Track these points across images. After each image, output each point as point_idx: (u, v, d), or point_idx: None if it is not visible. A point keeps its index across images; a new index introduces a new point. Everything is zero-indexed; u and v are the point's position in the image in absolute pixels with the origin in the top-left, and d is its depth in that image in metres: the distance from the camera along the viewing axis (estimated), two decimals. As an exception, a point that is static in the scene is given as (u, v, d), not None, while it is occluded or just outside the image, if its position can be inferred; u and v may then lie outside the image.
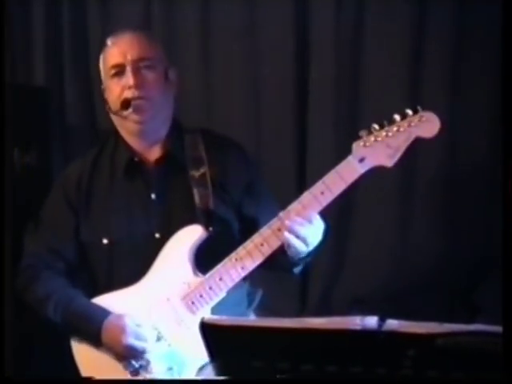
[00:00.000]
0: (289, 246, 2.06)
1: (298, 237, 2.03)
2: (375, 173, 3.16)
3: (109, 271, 2.23)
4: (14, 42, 3.40)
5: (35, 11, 3.44)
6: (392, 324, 1.38)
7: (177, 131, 2.26)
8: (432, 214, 3.05)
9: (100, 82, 2.30)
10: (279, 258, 2.12)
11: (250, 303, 2.31)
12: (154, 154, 2.23)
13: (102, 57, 2.27)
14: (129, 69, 2.16)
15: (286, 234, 2.03)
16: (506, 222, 2.01)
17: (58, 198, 2.30)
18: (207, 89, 3.38)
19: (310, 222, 2.03)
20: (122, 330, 2.12)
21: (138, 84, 2.15)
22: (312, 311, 3.03)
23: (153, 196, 2.21)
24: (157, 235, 2.18)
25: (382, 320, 1.38)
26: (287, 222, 2.02)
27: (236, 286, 2.15)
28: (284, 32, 3.25)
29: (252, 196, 2.25)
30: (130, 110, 2.14)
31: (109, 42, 2.24)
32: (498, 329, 1.34)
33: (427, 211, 3.11)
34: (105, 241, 2.21)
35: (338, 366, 1.43)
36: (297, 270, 2.23)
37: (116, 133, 2.27)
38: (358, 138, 2.03)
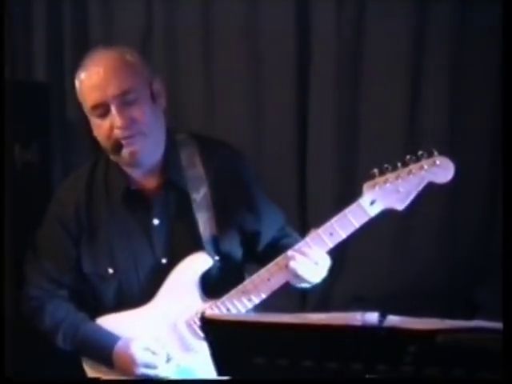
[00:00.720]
0: (292, 282, 2.06)
1: (302, 279, 2.03)
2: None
3: (116, 298, 2.19)
4: (14, 39, 3.41)
5: (36, 8, 3.45)
6: (393, 320, 1.38)
7: (172, 148, 2.13)
8: (432, 211, 3.05)
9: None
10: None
11: None
12: (151, 181, 2.12)
13: (78, 91, 2.06)
14: (113, 108, 1.97)
15: (291, 276, 2.03)
16: (506, 221, 2.01)
17: (55, 228, 2.19)
18: (207, 88, 3.38)
19: (316, 263, 2.02)
20: (131, 359, 2.11)
21: (126, 123, 1.97)
22: (312, 308, 3.03)
23: (155, 222, 2.13)
24: (163, 260, 2.14)
25: (383, 316, 1.38)
26: (292, 264, 2.00)
27: None
28: (285, 32, 3.26)
29: (253, 211, 2.19)
30: (124, 151, 2.01)
31: (82, 75, 2.03)
32: (499, 325, 1.34)
33: (427, 210, 3.11)
34: (110, 270, 2.16)
35: (339, 362, 1.43)
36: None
37: (106, 156, 2.13)
38: (369, 177, 2.01)
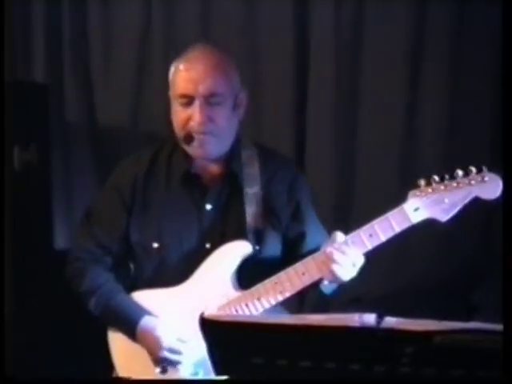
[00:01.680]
0: (325, 279, 2.10)
1: (336, 277, 2.06)
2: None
3: (155, 273, 2.24)
4: (13, 39, 3.41)
5: (35, 9, 3.45)
6: (390, 321, 1.39)
7: (237, 147, 2.25)
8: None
9: (166, 94, 2.25)
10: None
11: None
12: (212, 169, 2.24)
13: (172, 76, 2.20)
14: (197, 103, 2.11)
15: (326, 272, 2.06)
16: (506, 221, 2.01)
17: (111, 196, 2.29)
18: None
19: (353, 264, 2.05)
20: (157, 341, 2.16)
21: (205, 120, 2.12)
22: (310, 310, 3.04)
23: (208, 207, 2.22)
24: (207, 245, 2.20)
25: (381, 317, 1.40)
26: (331, 262, 2.04)
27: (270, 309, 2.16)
28: (283, 32, 3.26)
29: (298, 220, 2.26)
30: (194, 144, 2.15)
31: (181, 65, 2.16)
32: (496, 327, 1.35)
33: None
34: (155, 245, 2.22)
35: (337, 363, 1.44)
36: (325, 287, 2.19)
37: (174, 140, 2.25)
38: (416, 186, 2.04)
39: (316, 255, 2.09)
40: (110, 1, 3.43)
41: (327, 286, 2.17)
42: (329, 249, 2.05)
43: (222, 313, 2.11)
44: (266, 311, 2.13)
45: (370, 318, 1.40)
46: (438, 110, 3.20)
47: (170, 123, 2.23)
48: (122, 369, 2.25)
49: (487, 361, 1.36)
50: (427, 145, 3.23)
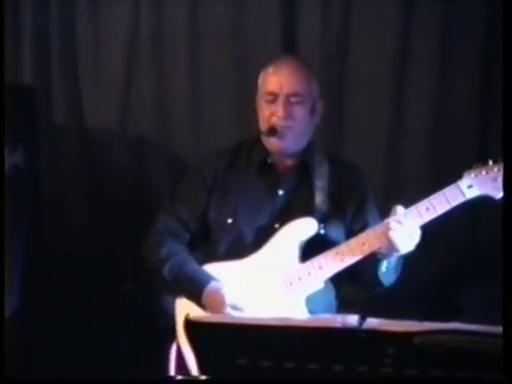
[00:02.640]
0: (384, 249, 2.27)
1: (394, 247, 2.24)
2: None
3: (227, 248, 2.44)
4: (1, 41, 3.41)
5: (23, 10, 3.44)
6: (372, 322, 1.41)
7: (311, 149, 2.49)
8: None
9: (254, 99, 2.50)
10: (362, 262, 2.31)
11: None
12: (287, 161, 2.47)
13: (261, 79, 2.47)
14: (281, 100, 2.38)
15: (385, 242, 2.24)
16: (505, 221, 2.02)
17: (195, 178, 2.54)
18: (195, 91, 3.39)
19: (409, 234, 2.24)
20: (220, 299, 2.31)
21: (286, 116, 2.38)
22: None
23: (280, 192, 2.46)
24: (276, 225, 2.41)
25: (363, 318, 1.41)
26: (390, 231, 2.22)
27: (332, 282, 2.38)
28: (271, 35, 3.28)
29: (362, 213, 2.46)
30: (274, 136, 2.39)
31: (270, 69, 2.45)
32: (475, 327, 1.36)
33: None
34: (229, 220, 2.45)
35: (320, 364, 1.45)
36: (384, 276, 2.37)
37: (258, 135, 2.48)
38: (471, 168, 2.24)
39: (377, 227, 2.29)
40: (98, 3, 3.42)
41: (385, 274, 2.34)
42: (388, 220, 2.24)
43: (295, 283, 2.32)
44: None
45: (352, 319, 1.41)
46: (424, 110, 3.22)
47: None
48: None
49: (467, 361, 1.38)
50: (414, 146, 3.25)
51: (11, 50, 3.42)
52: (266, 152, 2.48)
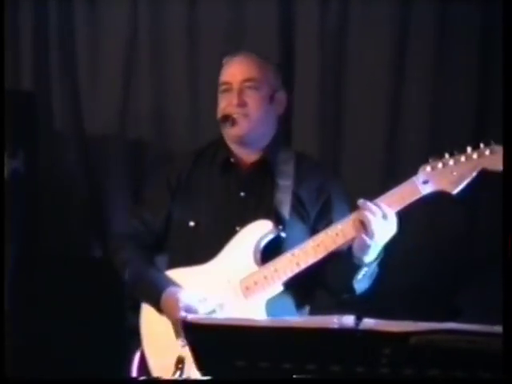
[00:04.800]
0: (358, 239, 2.14)
1: (370, 233, 2.11)
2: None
3: (189, 251, 2.40)
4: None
5: (22, 16, 3.46)
6: (368, 323, 1.42)
7: (275, 146, 2.44)
8: (414, 216, 3.07)
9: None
10: (338, 266, 2.23)
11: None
12: (250, 158, 2.42)
13: (221, 71, 2.45)
14: (235, 87, 2.37)
15: (359, 229, 2.12)
16: (505, 221, 2.02)
17: (160, 181, 2.52)
18: (194, 90, 3.40)
19: (384, 217, 2.11)
20: (175, 303, 2.27)
21: (240, 102, 2.35)
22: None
23: (242, 194, 2.40)
24: (237, 228, 2.34)
25: (359, 319, 1.42)
26: (364, 213, 2.10)
27: (292, 287, 2.27)
28: (269, 38, 3.29)
29: (327, 211, 2.37)
30: (229, 124, 2.35)
31: (224, 60, 2.46)
32: (470, 327, 1.37)
33: (409, 213, 3.15)
34: (191, 223, 2.40)
35: (318, 365, 1.46)
36: (358, 284, 2.26)
37: (220, 139, 2.46)
38: (427, 162, 2.12)
39: (351, 215, 2.17)
40: (96, 8, 3.44)
41: (359, 282, 2.24)
42: (360, 201, 2.13)
43: (252, 288, 2.25)
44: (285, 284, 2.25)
45: (348, 320, 1.42)
46: (423, 109, 3.23)
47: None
48: (148, 345, 2.37)
49: (463, 360, 1.39)
50: (411, 143, 3.26)
51: (11, 55, 3.44)
52: (229, 151, 2.44)
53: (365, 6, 3.21)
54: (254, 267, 2.28)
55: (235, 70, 2.41)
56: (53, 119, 3.49)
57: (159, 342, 2.34)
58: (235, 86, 2.37)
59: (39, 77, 3.47)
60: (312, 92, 3.28)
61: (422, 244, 3.15)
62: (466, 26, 3.14)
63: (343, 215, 2.28)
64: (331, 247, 2.19)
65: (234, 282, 2.28)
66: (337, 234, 2.18)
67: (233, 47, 3.30)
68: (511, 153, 1.93)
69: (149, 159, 3.44)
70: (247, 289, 2.26)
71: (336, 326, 1.42)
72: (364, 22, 3.22)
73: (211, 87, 3.33)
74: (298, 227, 2.35)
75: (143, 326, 2.40)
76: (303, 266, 2.21)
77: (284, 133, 3.27)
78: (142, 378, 2.31)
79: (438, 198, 2.97)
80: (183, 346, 2.20)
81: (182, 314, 2.23)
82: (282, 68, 3.10)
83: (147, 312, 2.39)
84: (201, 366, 1.56)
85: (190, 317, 1.54)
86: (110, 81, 3.46)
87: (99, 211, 3.49)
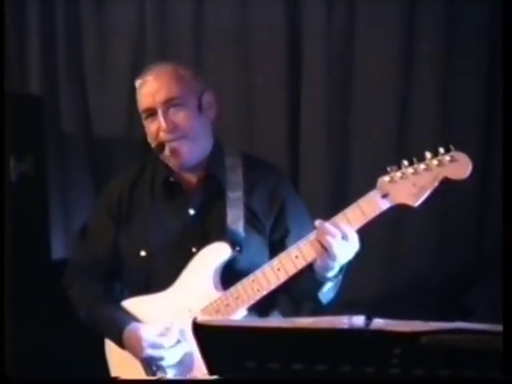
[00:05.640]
0: (319, 260, 2.05)
1: (330, 254, 2.01)
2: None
3: (144, 281, 2.29)
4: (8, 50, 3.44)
5: (29, 21, 3.47)
6: (378, 323, 1.41)
7: (218, 153, 2.30)
8: (423, 215, 3.07)
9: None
10: (302, 281, 2.13)
11: None
12: (192, 177, 2.29)
13: (136, 95, 2.28)
14: (159, 112, 2.18)
15: (319, 249, 2.02)
16: (505, 221, 2.02)
17: (101, 211, 2.39)
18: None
19: (345, 237, 2.00)
20: (139, 340, 2.20)
21: (170, 127, 2.18)
22: (304, 314, 3.06)
23: (191, 212, 2.27)
24: (193, 249, 2.23)
25: (369, 319, 1.42)
26: (323, 235, 2.00)
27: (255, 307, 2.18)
28: (275, 39, 3.29)
29: (282, 220, 2.27)
30: (167, 152, 2.20)
31: (137, 83, 2.27)
32: (481, 326, 1.37)
33: (418, 212, 3.14)
34: (142, 253, 2.28)
35: (328, 365, 1.46)
36: (323, 295, 2.19)
37: (156, 156, 2.31)
38: (386, 172, 2.01)
39: (310, 235, 2.06)
40: (104, 11, 3.46)
41: (324, 294, 2.17)
42: (318, 222, 2.02)
43: (213, 317, 2.14)
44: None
45: (358, 320, 1.42)
46: (430, 109, 3.22)
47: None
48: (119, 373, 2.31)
49: (474, 360, 1.38)
50: (419, 144, 3.25)
51: (18, 59, 3.45)
52: (168, 169, 2.28)
53: (372, 5, 3.20)
54: (215, 294, 2.18)
55: (153, 93, 2.19)
56: (61, 122, 3.50)
57: (128, 374, 2.26)
58: (158, 109, 2.18)
59: (47, 79, 3.49)
60: (319, 93, 3.28)
61: (431, 243, 3.15)
62: (474, 24, 3.12)
63: (299, 219, 2.25)
64: (292, 271, 2.08)
65: (195, 311, 2.17)
66: (296, 257, 2.07)
67: (239, 47, 3.33)
68: (511, 153, 1.91)
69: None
70: (210, 316, 2.14)
71: (346, 327, 1.41)
72: (371, 22, 3.22)
73: (218, 86, 3.36)
74: (255, 240, 2.24)
75: (111, 361, 2.35)
76: (265, 292, 2.12)
77: (292, 135, 3.31)
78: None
79: (443, 197, 3.02)
80: (151, 375, 2.19)
81: (149, 352, 2.17)
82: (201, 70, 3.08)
83: (110, 347, 2.33)
84: (211, 367, 1.56)
85: (200, 318, 1.53)
86: (117, 82, 3.47)
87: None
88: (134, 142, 3.47)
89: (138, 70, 3.42)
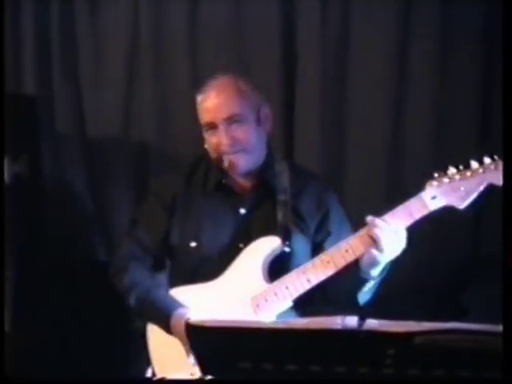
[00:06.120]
0: (368, 254, 2.17)
1: (380, 247, 2.15)
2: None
3: (192, 271, 2.39)
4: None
5: (24, 21, 3.47)
6: (372, 323, 1.41)
7: (270, 161, 2.43)
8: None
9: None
10: (344, 279, 2.24)
11: None
12: (246, 180, 2.42)
13: (197, 107, 2.38)
14: (221, 127, 2.30)
15: (370, 243, 2.15)
16: (505, 221, 2.02)
17: (155, 204, 2.49)
18: (197, 90, 3.40)
19: (395, 232, 2.14)
20: (184, 325, 2.24)
21: (231, 142, 2.30)
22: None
23: (242, 211, 2.40)
24: (240, 245, 2.35)
25: (362, 319, 1.42)
26: (375, 229, 2.13)
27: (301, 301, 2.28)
28: (270, 39, 3.28)
29: (326, 223, 2.40)
30: (225, 164, 2.33)
31: (199, 98, 2.37)
32: (475, 326, 1.37)
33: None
34: (193, 244, 2.39)
35: (322, 366, 1.46)
36: (362, 295, 2.30)
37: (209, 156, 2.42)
38: (433, 177, 2.16)
39: (359, 231, 2.20)
40: (99, 12, 3.45)
41: (363, 294, 2.27)
42: (369, 218, 2.16)
43: (262, 304, 2.26)
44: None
45: (352, 321, 1.42)
46: (425, 110, 3.22)
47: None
48: (158, 364, 2.36)
49: (468, 360, 1.38)
50: (414, 145, 3.25)
51: (12, 59, 3.45)
52: (222, 172, 2.40)
53: (367, 5, 3.20)
54: (264, 284, 2.29)
55: (215, 109, 2.31)
56: (55, 122, 3.50)
57: (170, 363, 2.32)
58: (220, 125, 2.30)
59: (41, 80, 3.48)
60: (314, 93, 3.27)
61: (427, 243, 3.14)
62: (469, 24, 3.12)
63: (341, 226, 2.39)
64: (341, 263, 2.20)
65: (245, 300, 2.27)
66: (346, 251, 2.20)
67: (234, 47, 3.32)
68: (511, 157, 1.93)
69: (152, 161, 3.45)
70: (257, 306, 2.27)
71: (339, 327, 1.42)
72: (366, 22, 3.21)
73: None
74: (300, 241, 2.36)
75: (152, 348, 2.38)
76: (314, 282, 2.23)
77: (286, 135, 3.31)
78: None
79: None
80: (195, 365, 2.17)
81: None
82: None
83: (154, 334, 2.38)
84: (205, 368, 1.56)
85: (193, 319, 1.53)
86: (112, 83, 3.46)
87: (102, 215, 3.50)
88: (128, 142, 3.48)
89: (132, 70, 3.48)
